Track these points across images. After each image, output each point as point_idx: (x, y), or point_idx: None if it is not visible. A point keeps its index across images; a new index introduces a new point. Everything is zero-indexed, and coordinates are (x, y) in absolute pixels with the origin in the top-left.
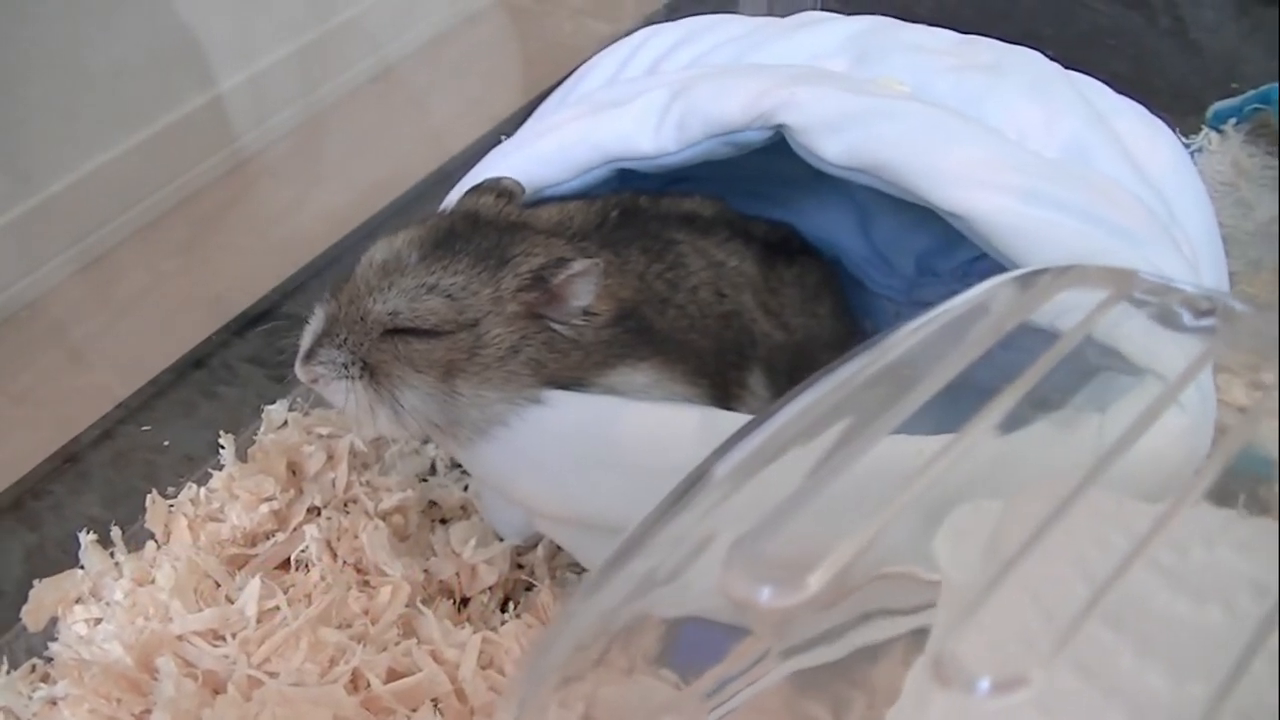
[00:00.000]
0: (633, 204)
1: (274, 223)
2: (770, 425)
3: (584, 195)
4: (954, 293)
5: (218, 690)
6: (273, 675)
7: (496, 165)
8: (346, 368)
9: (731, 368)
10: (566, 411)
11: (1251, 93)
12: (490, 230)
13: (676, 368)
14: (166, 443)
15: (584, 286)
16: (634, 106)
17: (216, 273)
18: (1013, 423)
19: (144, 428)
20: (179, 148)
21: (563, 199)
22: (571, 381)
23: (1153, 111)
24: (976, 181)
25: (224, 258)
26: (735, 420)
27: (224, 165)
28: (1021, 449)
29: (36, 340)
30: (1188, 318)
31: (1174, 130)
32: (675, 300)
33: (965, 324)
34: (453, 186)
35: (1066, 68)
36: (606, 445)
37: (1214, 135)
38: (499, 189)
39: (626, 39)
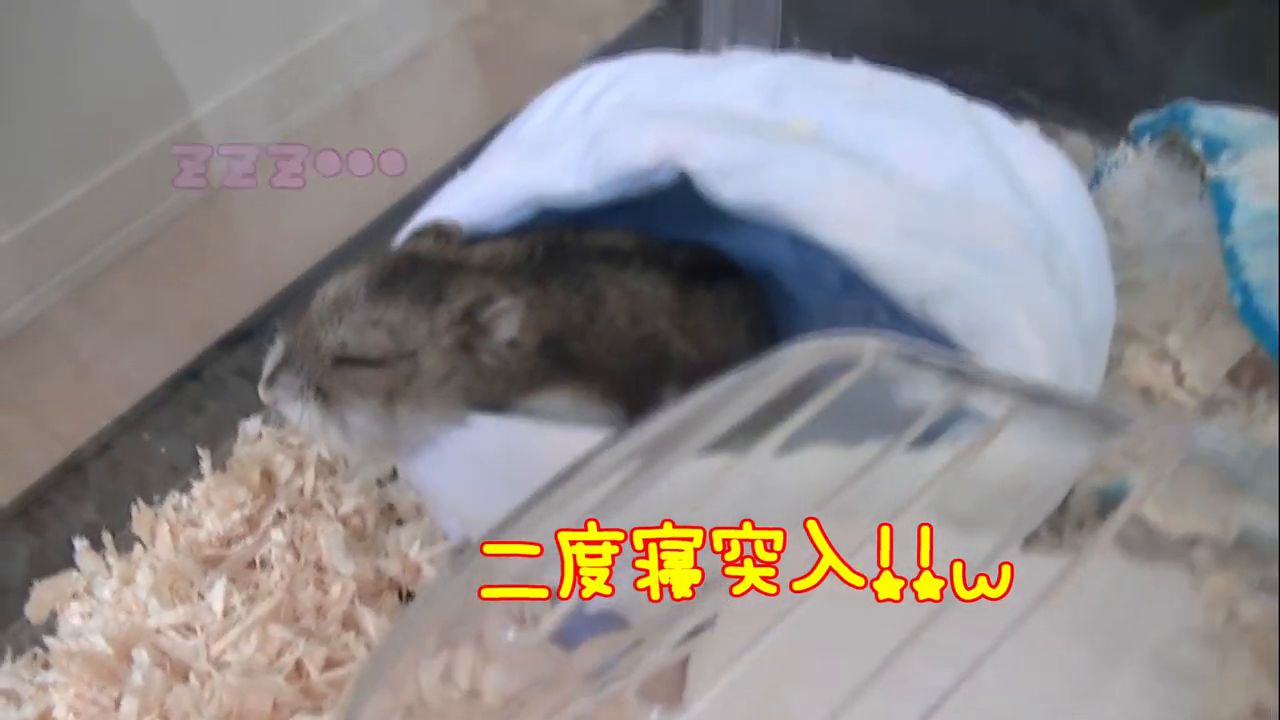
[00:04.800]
0: (558, 240)
1: (256, 245)
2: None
3: (518, 230)
4: (873, 306)
5: (184, 679)
6: (226, 665)
7: (441, 206)
8: (302, 391)
9: (647, 384)
10: (487, 433)
11: (1165, 110)
12: (429, 270)
13: (593, 389)
14: (164, 449)
15: (508, 321)
16: (558, 153)
17: (203, 294)
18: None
19: (141, 439)
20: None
21: (497, 235)
22: (495, 405)
23: (1087, 123)
24: (855, 221)
25: (210, 280)
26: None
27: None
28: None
29: (42, 357)
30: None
31: (1105, 143)
32: (593, 329)
33: (748, 386)
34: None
35: (1007, 80)
36: (520, 463)
37: (1131, 150)
38: (439, 231)
39: (569, 78)
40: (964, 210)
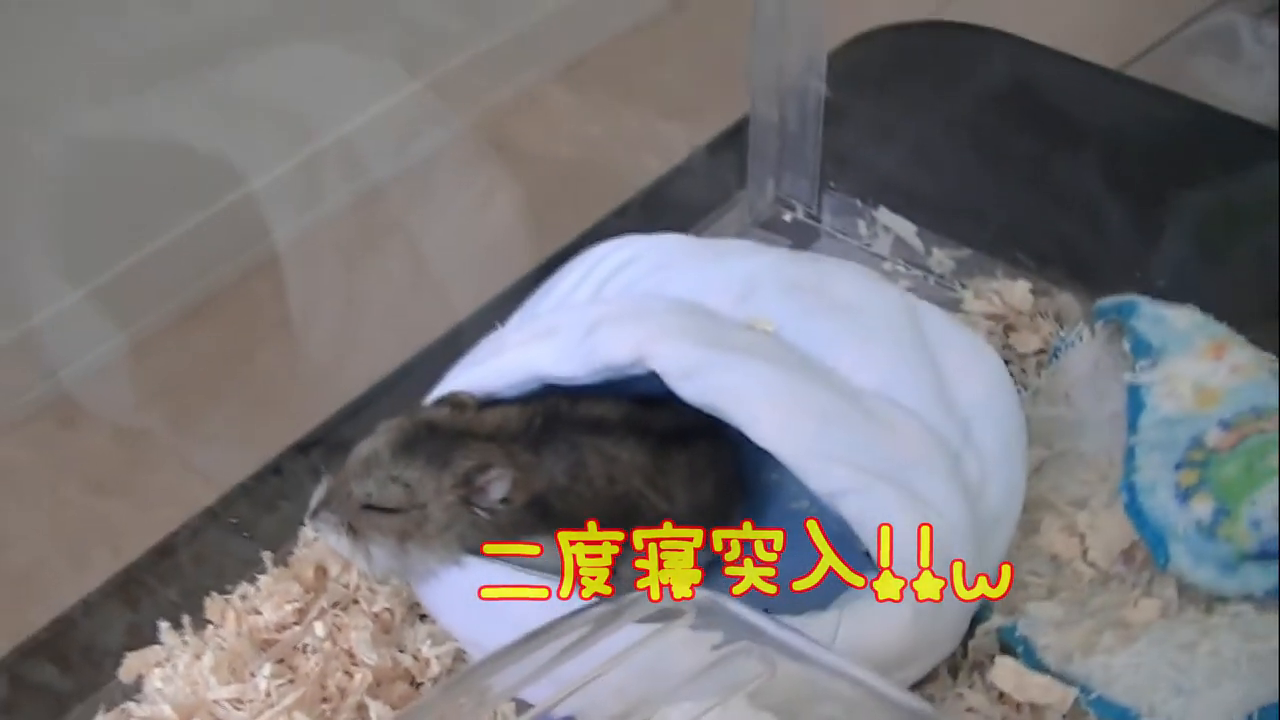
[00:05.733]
0: (555, 410)
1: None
2: None
3: (526, 397)
4: None
5: None
6: None
7: (465, 372)
8: (337, 526)
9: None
10: (473, 574)
11: (1118, 300)
12: (442, 437)
13: None
14: (247, 535)
15: (500, 485)
16: (560, 337)
17: (279, 399)
18: None
19: (227, 527)
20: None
21: (508, 402)
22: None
23: (1074, 286)
24: (779, 426)
25: (287, 386)
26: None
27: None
28: None
29: (150, 447)
30: None
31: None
32: (575, 489)
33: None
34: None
35: (1007, 242)
36: (497, 604)
37: (1087, 330)
38: (454, 402)
39: (592, 252)
40: (881, 416)
